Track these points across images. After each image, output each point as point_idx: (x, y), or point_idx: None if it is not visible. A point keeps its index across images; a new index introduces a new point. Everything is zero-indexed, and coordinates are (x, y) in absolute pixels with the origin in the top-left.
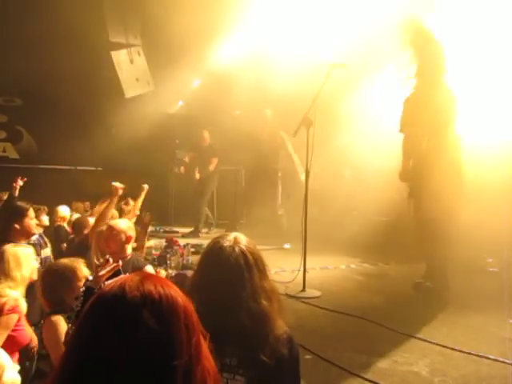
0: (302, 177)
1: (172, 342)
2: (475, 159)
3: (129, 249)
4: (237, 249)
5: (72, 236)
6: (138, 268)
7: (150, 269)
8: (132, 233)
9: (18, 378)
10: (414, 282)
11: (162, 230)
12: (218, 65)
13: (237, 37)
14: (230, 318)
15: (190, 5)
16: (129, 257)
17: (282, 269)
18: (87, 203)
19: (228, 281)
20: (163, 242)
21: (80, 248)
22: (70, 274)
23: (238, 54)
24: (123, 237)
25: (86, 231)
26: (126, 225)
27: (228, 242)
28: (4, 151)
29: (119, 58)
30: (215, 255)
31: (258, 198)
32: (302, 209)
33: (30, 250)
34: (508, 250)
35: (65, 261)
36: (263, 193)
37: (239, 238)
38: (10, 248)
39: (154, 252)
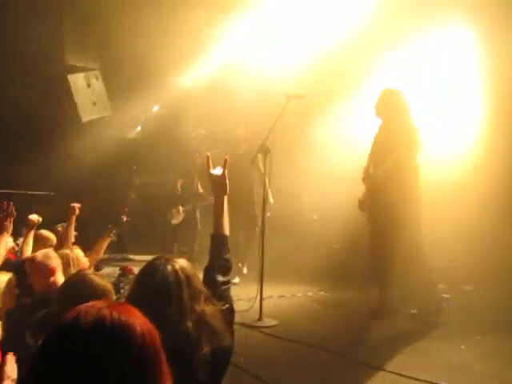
0: (271, 200)
1: (123, 373)
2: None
3: (57, 279)
4: (169, 267)
5: None
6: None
7: None
8: (54, 263)
9: None
10: (370, 309)
11: (118, 258)
12: (178, 90)
13: (198, 63)
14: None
15: (150, 30)
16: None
17: (239, 297)
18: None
19: (156, 297)
20: (117, 271)
21: None
22: None
23: (199, 80)
24: (45, 270)
25: None
26: (44, 256)
27: (164, 260)
28: None
29: (76, 81)
30: (147, 272)
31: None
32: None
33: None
34: (460, 277)
35: None
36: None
37: (176, 259)
38: None
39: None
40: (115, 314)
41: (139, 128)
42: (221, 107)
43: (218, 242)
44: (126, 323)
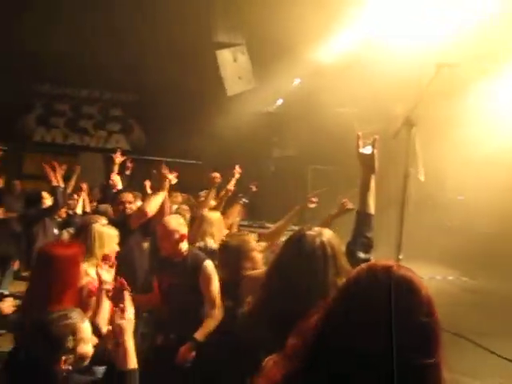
0: (422, 177)
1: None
2: None
3: (184, 246)
4: (318, 239)
5: None
6: (196, 264)
7: (209, 264)
8: (184, 230)
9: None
10: None
11: (255, 226)
12: (320, 62)
13: (339, 34)
14: (298, 306)
15: (293, 2)
16: (185, 253)
17: None
18: (185, 195)
19: (301, 268)
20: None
21: None
22: None
23: (340, 51)
24: (176, 236)
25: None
26: (177, 222)
27: (312, 231)
28: (117, 142)
29: (223, 56)
30: (295, 241)
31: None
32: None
33: (115, 231)
34: None
35: None
36: None
37: (324, 231)
38: (96, 226)
39: None
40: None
41: (280, 101)
42: (363, 82)
43: (362, 220)
44: (419, 283)
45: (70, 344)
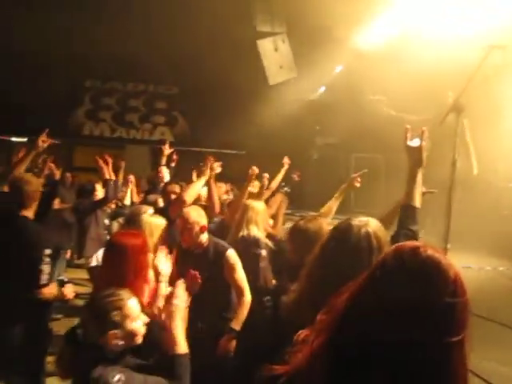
0: (475, 171)
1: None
2: None
3: (204, 237)
4: (363, 230)
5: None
6: (219, 253)
7: (231, 252)
8: (204, 221)
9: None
10: None
11: (298, 215)
12: (362, 49)
13: (381, 20)
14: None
15: None
16: (206, 244)
17: None
18: (228, 185)
19: (345, 259)
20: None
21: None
22: None
23: (382, 37)
24: (197, 228)
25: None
26: (197, 214)
27: (358, 222)
28: (162, 134)
29: (264, 46)
30: (340, 231)
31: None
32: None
33: (163, 220)
34: None
35: None
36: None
37: (371, 222)
38: (145, 216)
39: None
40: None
41: (322, 89)
42: (408, 69)
43: (406, 212)
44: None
45: (115, 318)
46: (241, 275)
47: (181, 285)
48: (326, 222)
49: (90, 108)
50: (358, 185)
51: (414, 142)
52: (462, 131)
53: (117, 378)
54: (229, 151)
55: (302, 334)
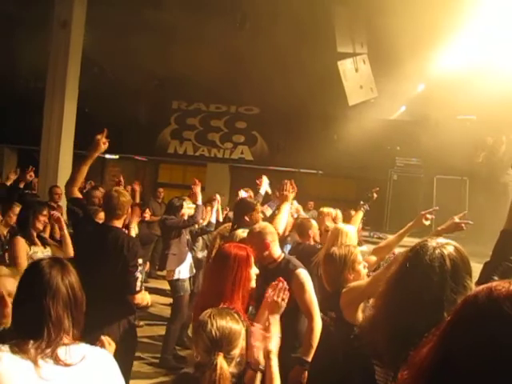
0: None
1: None
2: None
3: (275, 253)
4: (438, 251)
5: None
6: (288, 272)
7: (302, 271)
8: (270, 238)
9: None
10: None
11: (375, 236)
12: (444, 69)
13: (464, 40)
14: (414, 321)
15: (415, 10)
16: (279, 260)
17: None
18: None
19: (417, 280)
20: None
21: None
22: None
23: (466, 57)
24: (261, 245)
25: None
26: (262, 231)
27: (435, 242)
28: (242, 153)
29: (345, 67)
30: (414, 251)
31: (485, 211)
32: None
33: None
34: None
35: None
36: (491, 206)
37: (448, 243)
38: (238, 233)
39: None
40: None
41: (403, 108)
42: (490, 88)
43: (506, 240)
44: None
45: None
46: (309, 297)
47: (276, 321)
48: (358, 250)
49: (175, 128)
50: (427, 223)
51: None
52: None
53: None
54: (307, 170)
55: None
